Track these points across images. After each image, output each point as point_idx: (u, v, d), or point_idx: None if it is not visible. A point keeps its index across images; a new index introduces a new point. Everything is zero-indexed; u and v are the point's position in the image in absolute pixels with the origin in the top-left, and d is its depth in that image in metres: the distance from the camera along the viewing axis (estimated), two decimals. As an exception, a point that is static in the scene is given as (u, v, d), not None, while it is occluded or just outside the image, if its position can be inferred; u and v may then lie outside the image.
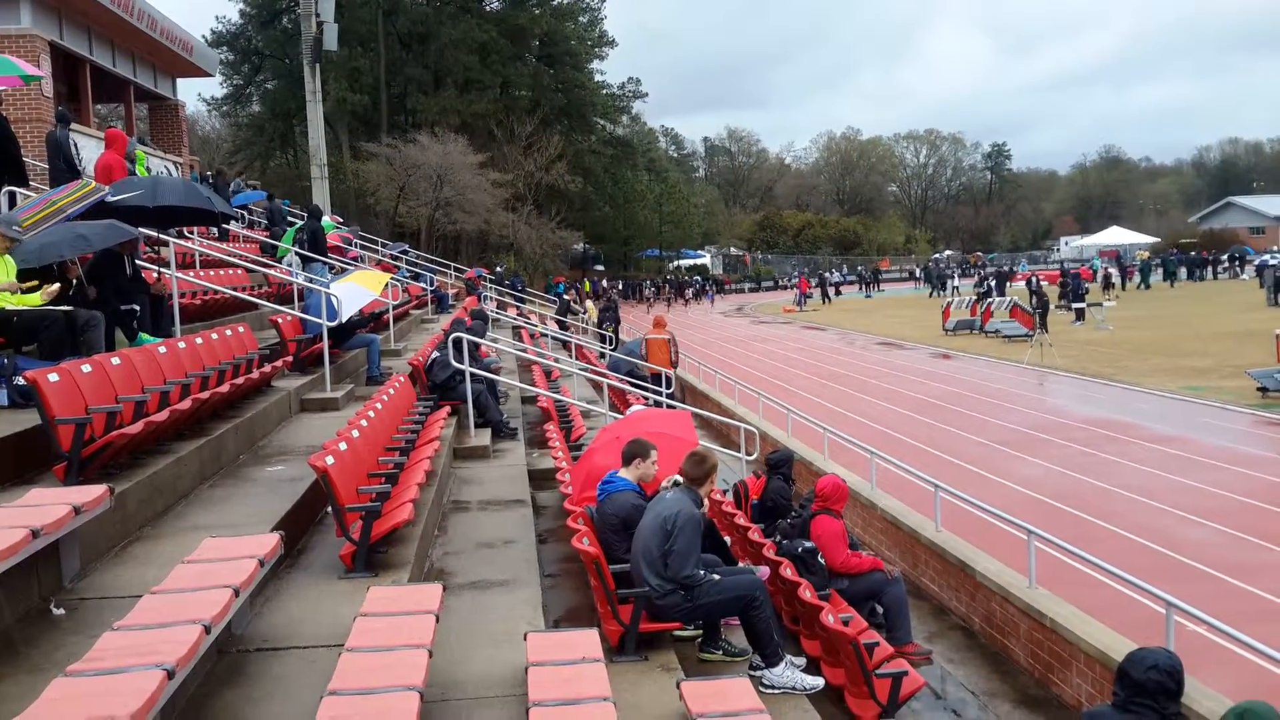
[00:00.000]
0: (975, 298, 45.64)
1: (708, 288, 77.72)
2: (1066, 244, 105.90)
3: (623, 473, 7.61)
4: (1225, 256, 73.99)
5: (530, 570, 8.03)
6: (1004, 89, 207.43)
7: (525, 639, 6.00)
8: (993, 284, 54.29)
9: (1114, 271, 61.23)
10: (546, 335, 26.53)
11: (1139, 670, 4.74)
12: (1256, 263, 57.50)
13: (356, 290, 13.47)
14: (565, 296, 33.81)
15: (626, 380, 18.90)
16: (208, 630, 4.59)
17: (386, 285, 16.19)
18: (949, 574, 11.18)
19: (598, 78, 75.35)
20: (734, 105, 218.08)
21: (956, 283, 66.47)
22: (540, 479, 11.61)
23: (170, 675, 4.08)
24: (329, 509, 7.26)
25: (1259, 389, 21.92)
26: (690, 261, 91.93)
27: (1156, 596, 7.92)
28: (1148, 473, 15.94)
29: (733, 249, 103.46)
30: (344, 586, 6.60)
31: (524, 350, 20.09)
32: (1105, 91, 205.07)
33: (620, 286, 69.38)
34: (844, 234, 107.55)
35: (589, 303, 39.52)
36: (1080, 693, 8.50)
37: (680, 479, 7.11)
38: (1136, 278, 64.60)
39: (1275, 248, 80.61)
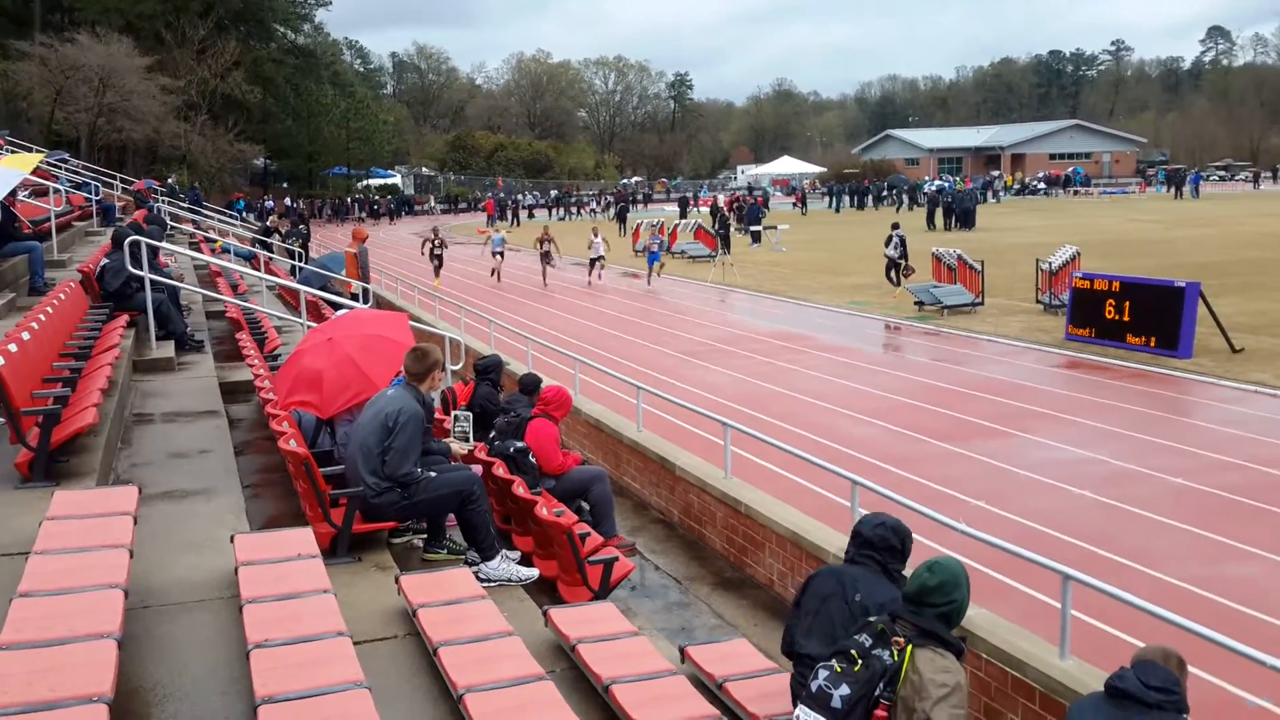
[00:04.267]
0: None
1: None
2: (743, 172, 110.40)
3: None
4: (885, 185, 79.39)
5: (230, 479, 7.64)
6: (691, 22, 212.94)
7: (232, 541, 5.72)
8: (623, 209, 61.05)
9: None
10: (230, 250, 25.12)
11: (868, 528, 5.08)
12: (929, 189, 61.89)
13: (6, 172, 12.19)
14: (268, 221, 32.61)
15: (320, 295, 18.21)
16: None
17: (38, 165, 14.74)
18: (650, 470, 11.57)
19: (277, -19, 71.28)
20: (425, 22, 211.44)
21: (594, 207, 76.97)
22: (234, 391, 11.02)
23: None
24: (-1, 418, 6.61)
25: (916, 303, 23.83)
26: (380, 181, 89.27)
27: (841, 477, 8.49)
28: (820, 378, 17.00)
29: (424, 169, 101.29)
30: (22, 496, 6.05)
31: (209, 263, 18.93)
32: (781, 29, 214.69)
33: (301, 204, 66.31)
34: (536, 157, 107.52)
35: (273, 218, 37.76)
36: (772, 572, 9.03)
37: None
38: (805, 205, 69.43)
39: (928, 177, 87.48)
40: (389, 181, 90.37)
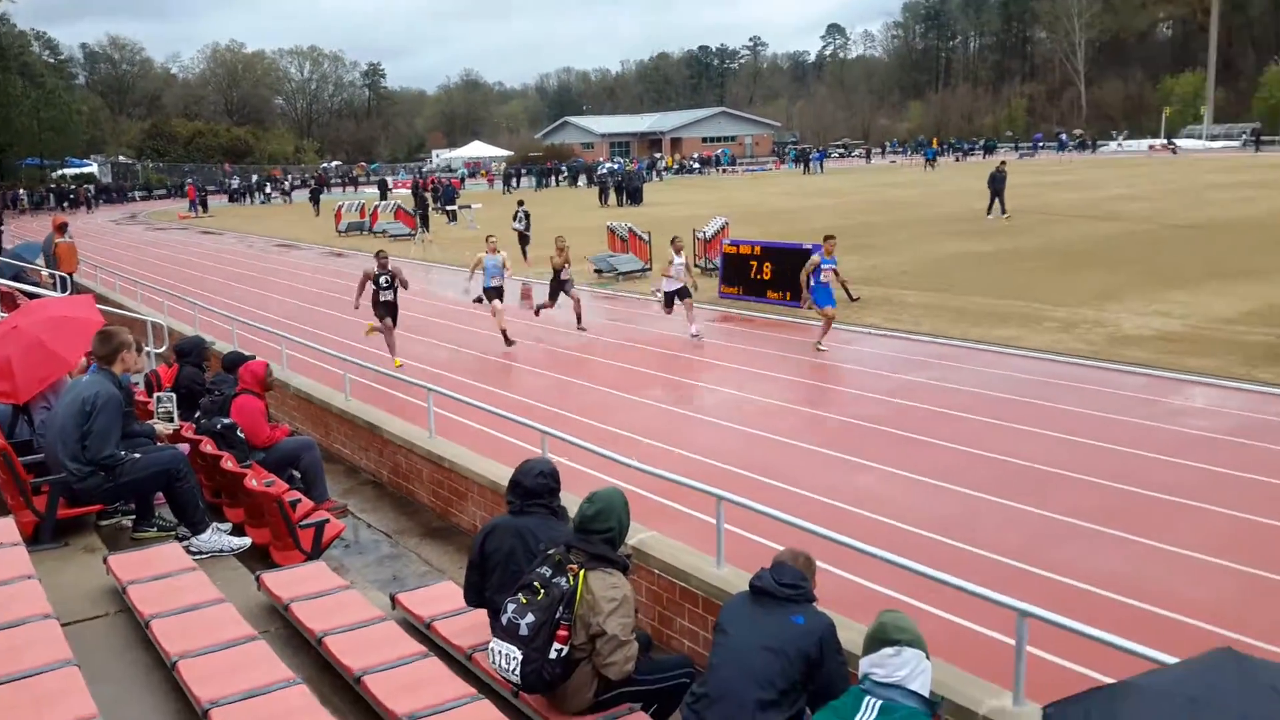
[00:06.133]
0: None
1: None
2: (437, 156, 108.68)
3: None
4: (565, 167, 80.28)
5: (-80, 477, 6.84)
6: (384, 15, 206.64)
7: (-75, 538, 5.15)
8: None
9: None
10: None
11: (529, 478, 5.13)
12: (602, 170, 63.03)
13: None
14: None
15: (14, 286, 16.50)
16: None
17: None
18: (359, 436, 11.29)
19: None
20: (118, 14, 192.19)
21: (269, 190, 73.39)
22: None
23: None
24: None
25: (595, 270, 24.35)
26: (76, 170, 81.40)
27: (532, 428, 8.60)
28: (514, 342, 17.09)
29: (121, 157, 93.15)
30: None
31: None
32: (467, 23, 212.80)
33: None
34: (235, 143, 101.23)
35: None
36: (475, 518, 9.05)
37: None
38: (499, 184, 69.57)
39: (602, 158, 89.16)
40: (85, 170, 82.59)
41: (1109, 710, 2.99)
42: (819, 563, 4.87)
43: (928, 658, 3.86)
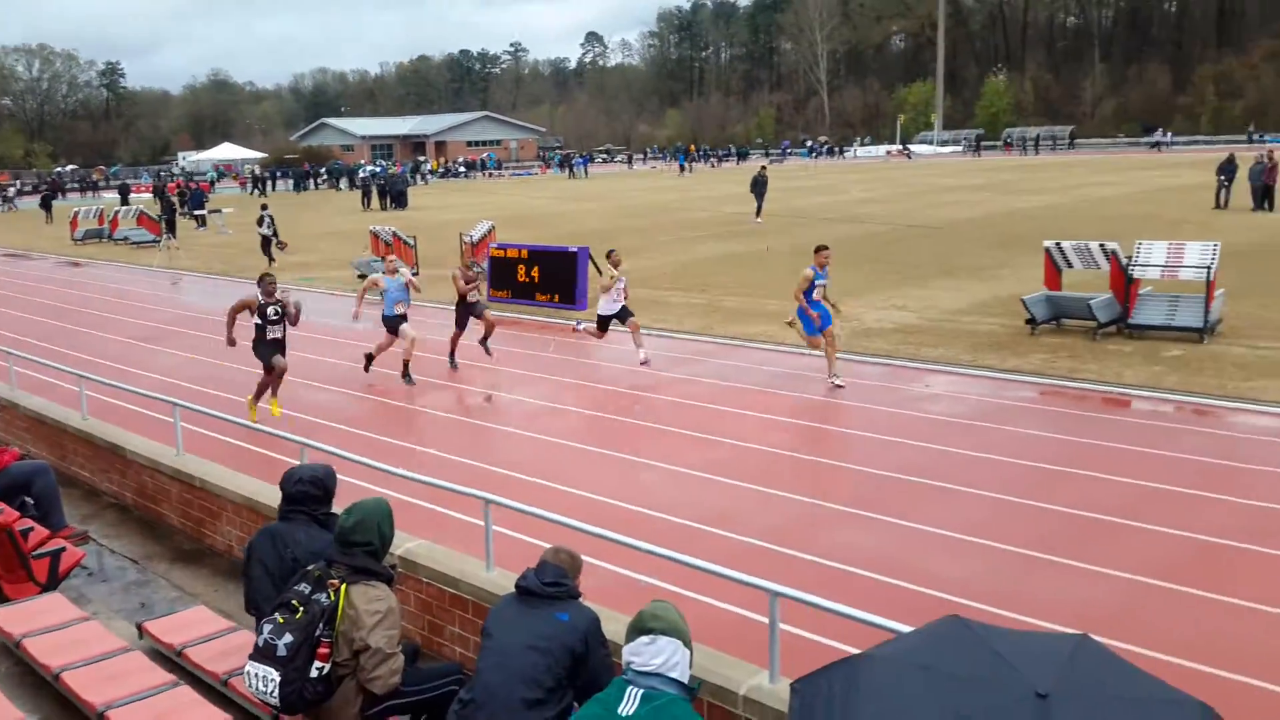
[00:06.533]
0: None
1: None
2: (185, 159, 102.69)
3: None
4: (325, 169, 77.49)
5: None
6: (121, 11, 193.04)
7: None
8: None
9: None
10: None
11: (289, 485, 4.99)
12: (363, 173, 61.26)
13: None
14: None
15: None
16: None
17: None
18: (99, 458, 10.49)
19: None
20: None
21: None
22: None
23: None
24: None
25: (358, 275, 23.69)
26: None
27: (291, 441, 8.26)
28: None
29: None
30: None
31: None
32: (213, 21, 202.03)
33: None
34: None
35: None
36: (230, 538, 8.58)
37: None
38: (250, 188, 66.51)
39: (363, 161, 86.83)
40: None
41: (849, 680, 3.19)
42: (589, 559, 4.94)
43: (687, 645, 3.97)
